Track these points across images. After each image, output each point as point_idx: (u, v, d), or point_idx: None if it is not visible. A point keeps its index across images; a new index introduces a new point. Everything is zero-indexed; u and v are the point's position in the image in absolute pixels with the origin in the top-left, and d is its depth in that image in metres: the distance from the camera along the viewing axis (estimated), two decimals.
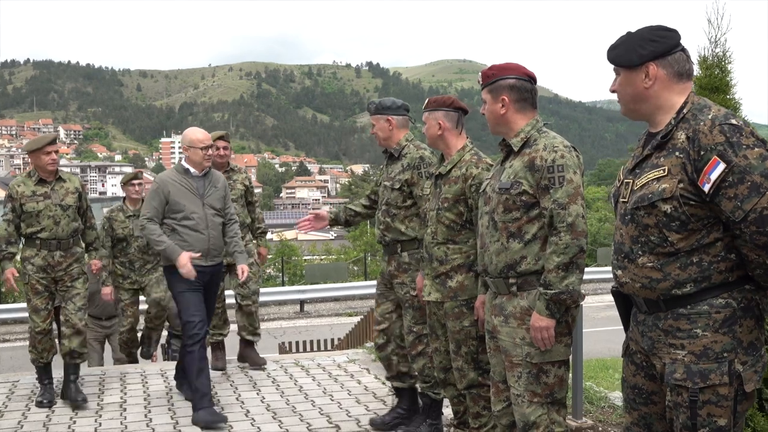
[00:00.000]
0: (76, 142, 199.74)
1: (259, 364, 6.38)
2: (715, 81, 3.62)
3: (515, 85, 3.28)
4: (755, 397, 2.63)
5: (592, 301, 18.18)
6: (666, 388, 2.51)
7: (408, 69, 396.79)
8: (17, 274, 5.45)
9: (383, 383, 5.81)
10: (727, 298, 2.41)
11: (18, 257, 5.69)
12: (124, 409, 5.33)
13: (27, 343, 5.69)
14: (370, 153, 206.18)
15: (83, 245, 5.77)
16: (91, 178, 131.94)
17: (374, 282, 18.95)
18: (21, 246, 5.65)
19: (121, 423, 5.04)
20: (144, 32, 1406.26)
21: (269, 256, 20.72)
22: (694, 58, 3.66)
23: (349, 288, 21.22)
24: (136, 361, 7.51)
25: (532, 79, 3.33)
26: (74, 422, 5.09)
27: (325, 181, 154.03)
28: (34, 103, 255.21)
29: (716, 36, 3.64)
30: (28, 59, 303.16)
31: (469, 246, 3.85)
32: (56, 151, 5.53)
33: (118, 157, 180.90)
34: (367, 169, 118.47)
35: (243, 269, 5.28)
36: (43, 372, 5.62)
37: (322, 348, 11.75)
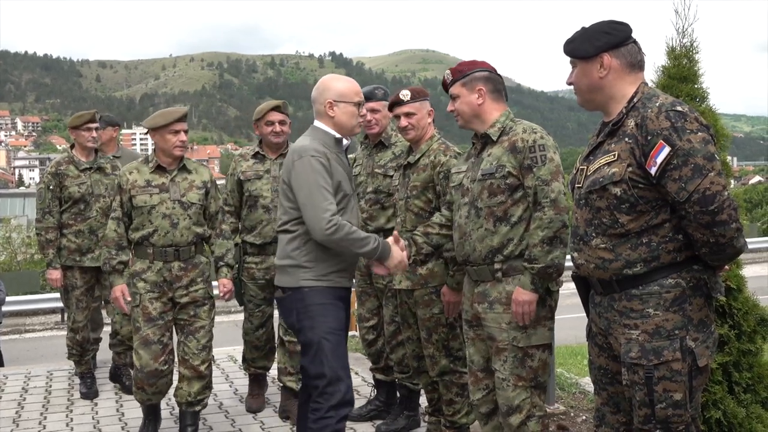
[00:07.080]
0: (34, 134, 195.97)
1: None
2: (683, 71, 3.67)
3: (490, 77, 3.39)
4: (709, 372, 2.74)
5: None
6: (623, 367, 2.61)
7: (371, 59, 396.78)
8: (128, 296, 4.24)
9: (356, 373, 5.83)
10: (677, 278, 2.53)
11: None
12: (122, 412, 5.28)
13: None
14: None
15: (207, 256, 4.45)
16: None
17: None
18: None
19: None
20: (103, 22, 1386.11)
21: None
22: (662, 48, 3.73)
23: None
24: (89, 372, 5.53)
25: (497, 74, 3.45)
26: None
27: None
28: None
29: (683, 26, 3.69)
30: None
31: None
32: (185, 131, 4.23)
33: None
34: None
35: None
36: (152, 413, 4.47)
37: None
